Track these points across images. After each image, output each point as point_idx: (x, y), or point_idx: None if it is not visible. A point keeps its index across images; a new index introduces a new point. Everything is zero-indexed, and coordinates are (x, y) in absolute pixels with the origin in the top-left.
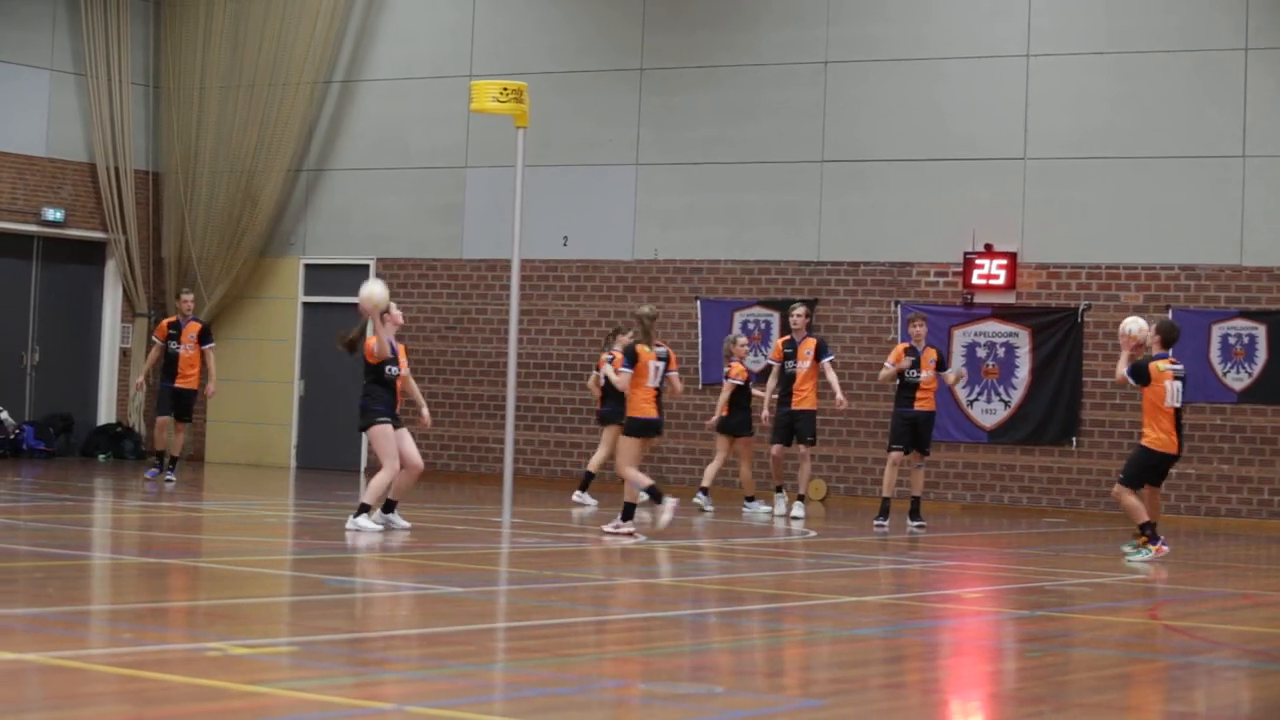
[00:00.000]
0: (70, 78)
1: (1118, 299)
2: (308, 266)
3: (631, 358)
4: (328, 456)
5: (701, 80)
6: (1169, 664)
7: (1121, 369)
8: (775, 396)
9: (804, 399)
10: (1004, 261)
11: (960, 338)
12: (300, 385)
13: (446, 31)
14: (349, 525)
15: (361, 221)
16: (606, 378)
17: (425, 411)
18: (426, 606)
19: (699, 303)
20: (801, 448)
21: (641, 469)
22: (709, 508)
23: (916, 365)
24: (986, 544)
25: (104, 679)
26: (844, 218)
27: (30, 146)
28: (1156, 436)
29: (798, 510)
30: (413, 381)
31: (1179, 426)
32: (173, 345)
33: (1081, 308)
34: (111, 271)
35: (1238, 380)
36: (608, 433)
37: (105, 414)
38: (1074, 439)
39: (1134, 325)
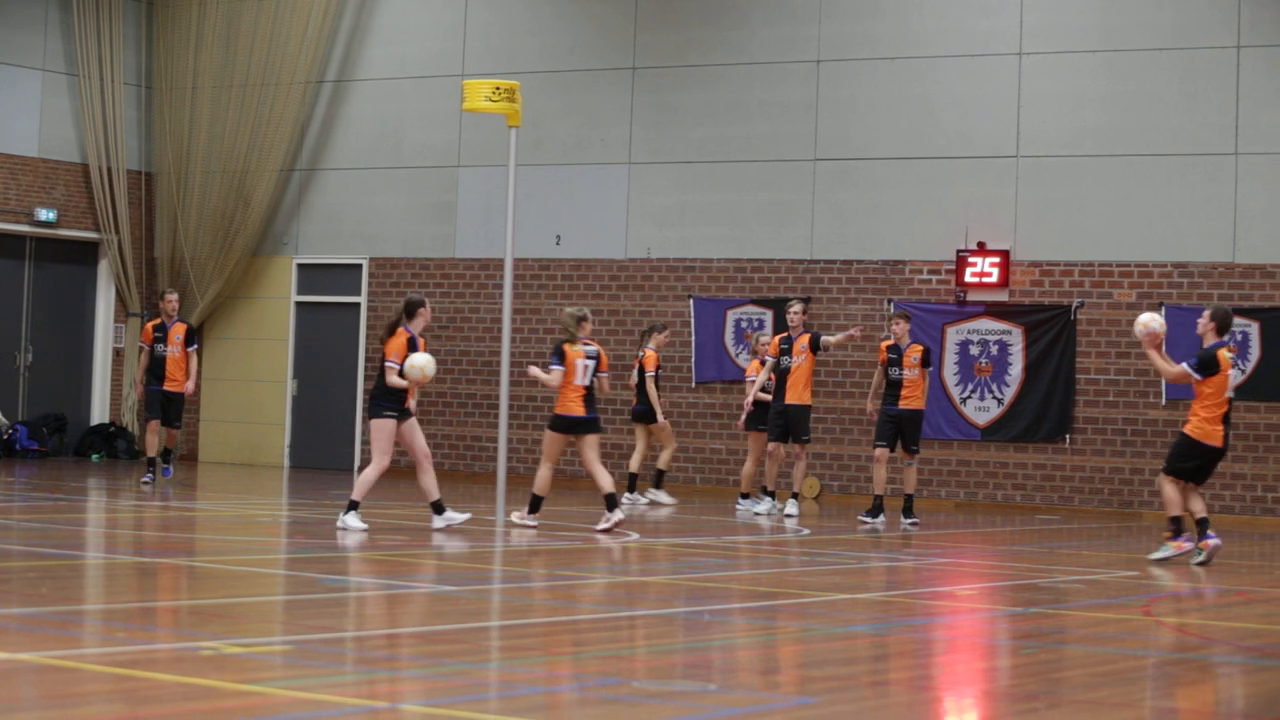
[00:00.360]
0: (62, 78)
1: (1110, 296)
2: (300, 266)
3: (559, 356)
4: (321, 456)
5: (694, 79)
6: (1163, 660)
7: (1167, 366)
8: (766, 391)
9: (798, 394)
10: (997, 259)
11: (953, 335)
12: (293, 385)
13: (439, 31)
14: (339, 524)
15: (354, 221)
16: (641, 378)
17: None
18: (420, 605)
19: (692, 301)
20: (796, 446)
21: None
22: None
23: (899, 363)
24: (980, 541)
25: (97, 678)
26: (837, 215)
27: (23, 147)
28: (1202, 426)
29: (791, 508)
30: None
31: (1227, 419)
32: (159, 348)
33: (1074, 305)
34: (104, 272)
35: (1232, 377)
36: (640, 430)
37: (98, 414)
38: (1067, 436)
39: (1155, 322)
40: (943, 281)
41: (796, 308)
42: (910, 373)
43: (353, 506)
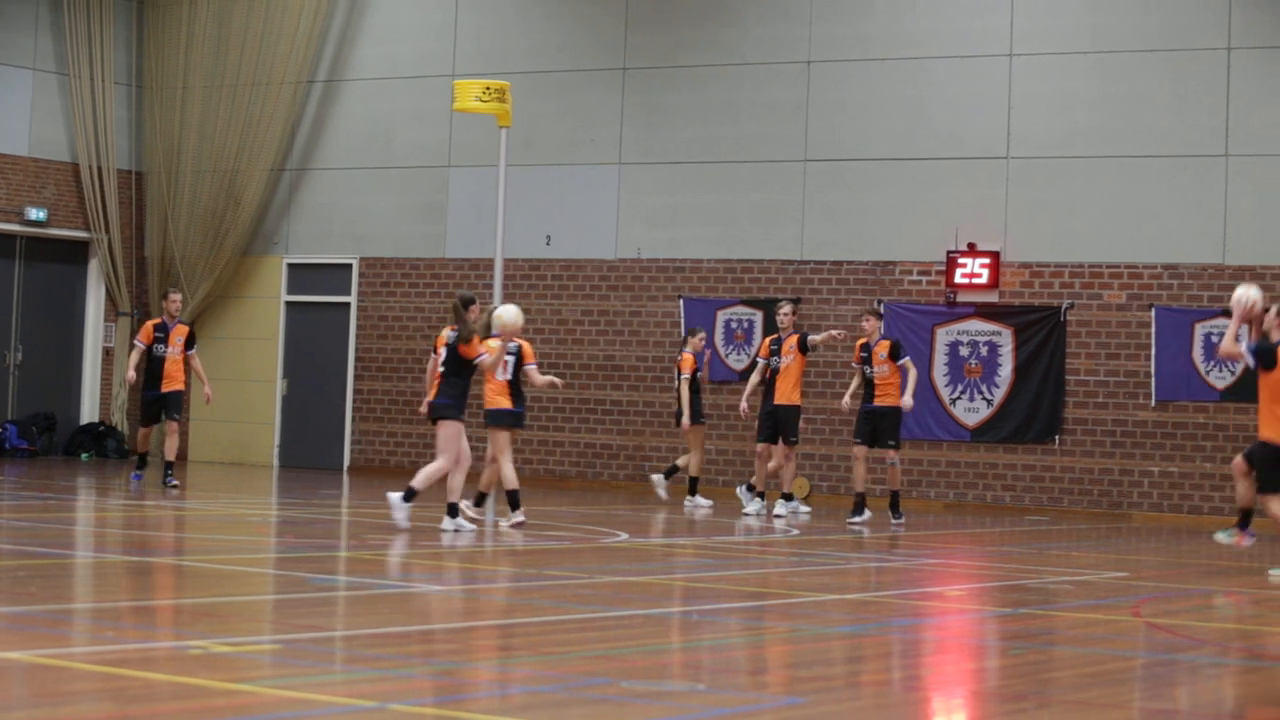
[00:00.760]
0: (53, 77)
1: (1100, 298)
2: (290, 266)
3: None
4: (310, 456)
5: (684, 79)
6: (1151, 661)
7: (1234, 343)
8: (755, 393)
9: (786, 395)
10: (987, 260)
11: (943, 336)
12: (283, 384)
13: (429, 31)
14: (445, 526)
15: (344, 221)
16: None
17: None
18: (410, 605)
19: (681, 301)
20: (784, 447)
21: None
22: (780, 511)
23: (869, 360)
24: (969, 542)
25: (86, 677)
26: (827, 216)
27: (13, 146)
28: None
29: (780, 509)
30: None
31: None
32: (159, 348)
33: (1064, 306)
34: (94, 271)
35: (1220, 379)
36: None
37: (88, 413)
38: (1056, 437)
39: (1254, 293)
40: (933, 283)
41: (786, 309)
42: (881, 369)
43: (453, 510)
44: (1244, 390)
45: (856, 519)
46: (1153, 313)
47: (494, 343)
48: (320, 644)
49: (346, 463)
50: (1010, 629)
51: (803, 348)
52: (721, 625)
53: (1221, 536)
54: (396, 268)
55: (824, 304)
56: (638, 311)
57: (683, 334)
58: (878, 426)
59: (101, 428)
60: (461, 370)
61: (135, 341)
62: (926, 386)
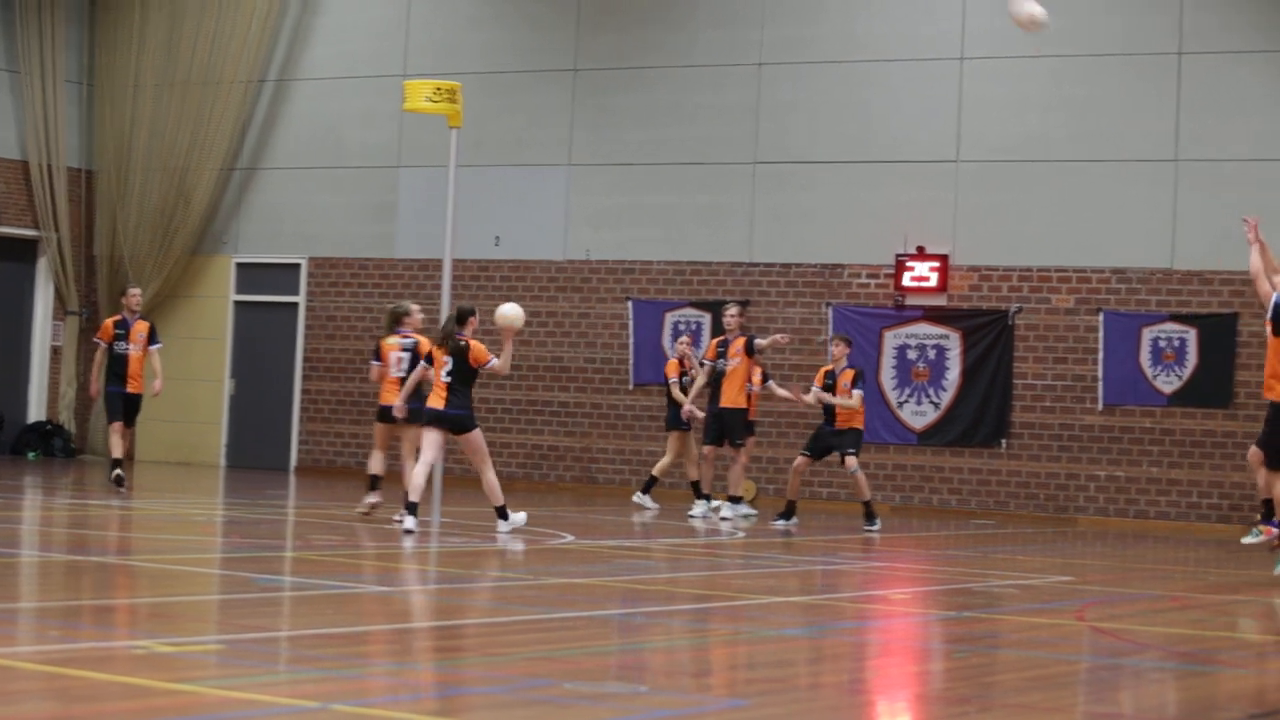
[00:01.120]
0: (3, 75)
1: (1049, 302)
2: (239, 265)
3: (376, 351)
4: (258, 456)
5: (635, 81)
6: (1095, 665)
7: (1260, 269)
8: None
9: (732, 398)
10: (935, 264)
11: (891, 339)
12: (231, 384)
13: (380, 31)
14: (502, 529)
15: (294, 220)
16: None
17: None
18: (354, 605)
19: (630, 303)
20: (730, 449)
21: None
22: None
23: (832, 388)
24: (915, 545)
25: (30, 676)
26: (776, 219)
27: None
28: None
29: (727, 511)
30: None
31: None
32: (120, 346)
33: (1012, 310)
34: (43, 269)
35: (1168, 384)
36: (674, 438)
37: (35, 412)
38: (1004, 441)
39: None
40: (881, 285)
41: (732, 310)
42: (844, 400)
43: (502, 514)
44: (1190, 395)
45: (781, 522)
46: (1101, 317)
47: (394, 340)
48: (264, 644)
49: (293, 463)
50: (954, 632)
51: (749, 350)
52: (666, 627)
53: (1250, 539)
54: (345, 268)
55: (772, 306)
56: (586, 313)
57: (630, 336)
58: (831, 443)
59: (49, 426)
60: (471, 379)
61: (96, 340)
62: (874, 389)
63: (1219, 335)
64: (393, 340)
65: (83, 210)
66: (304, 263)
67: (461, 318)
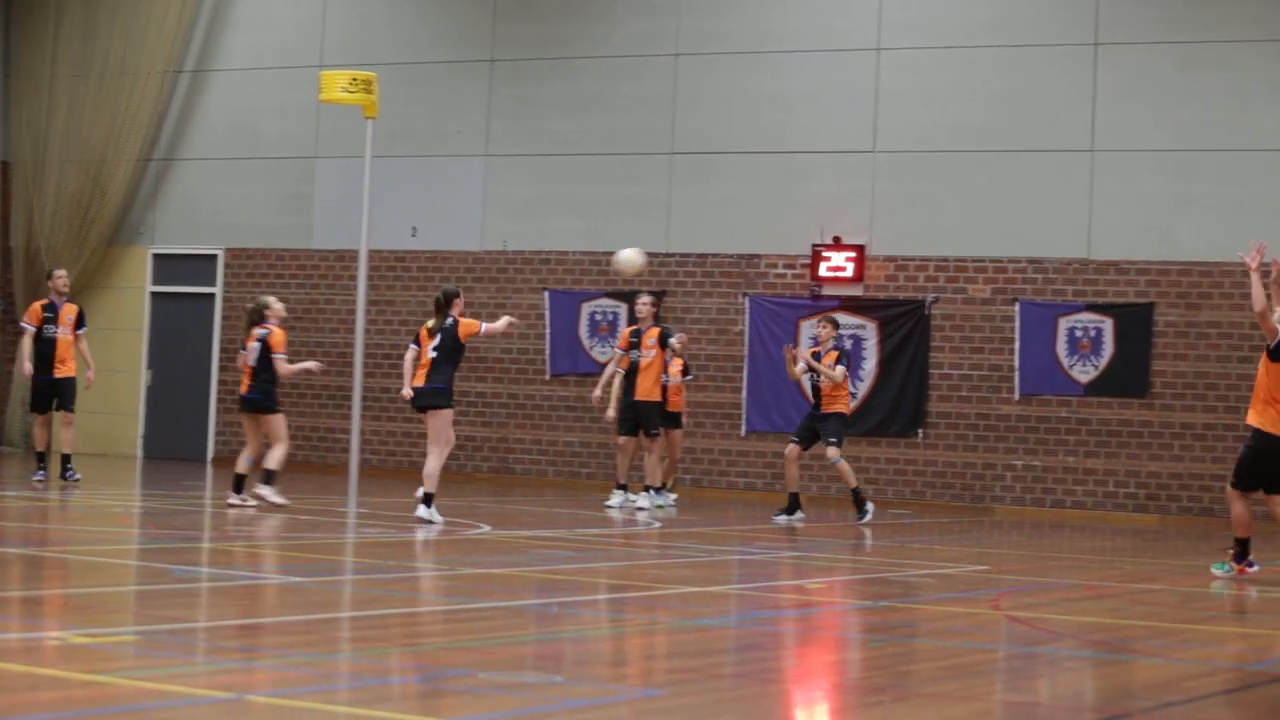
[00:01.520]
0: None
1: (965, 292)
2: (156, 256)
3: (244, 344)
4: (175, 446)
5: (552, 72)
6: (1011, 654)
7: (1263, 297)
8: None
9: (647, 391)
10: (852, 254)
11: (807, 329)
12: (148, 375)
13: (297, 21)
14: (422, 514)
15: (210, 211)
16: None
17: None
18: (270, 596)
19: (547, 294)
20: (645, 440)
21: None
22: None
23: (816, 370)
24: (831, 535)
25: None
26: (693, 209)
27: None
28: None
29: (643, 501)
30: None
31: None
32: (49, 329)
33: (929, 300)
34: None
35: (1084, 373)
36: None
37: None
38: (920, 431)
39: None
40: (798, 276)
41: (645, 299)
42: (827, 381)
43: (427, 500)
44: (1107, 385)
45: (784, 518)
46: (1017, 307)
47: (254, 332)
48: (180, 635)
49: (210, 454)
50: (870, 621)
51: (663, 343)
52: (581, 617)
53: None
54: (262, 259)
55: (689, 296)
56: (503, 304)
57: (547, 327)
58: (816, 429)
59: None
60: (455, 357)
61: (23, 324)
62: (789, 380)
63: (1135, 325)
64: (253, 332)
65: None
66: (221, 254)
67: (448, 299)
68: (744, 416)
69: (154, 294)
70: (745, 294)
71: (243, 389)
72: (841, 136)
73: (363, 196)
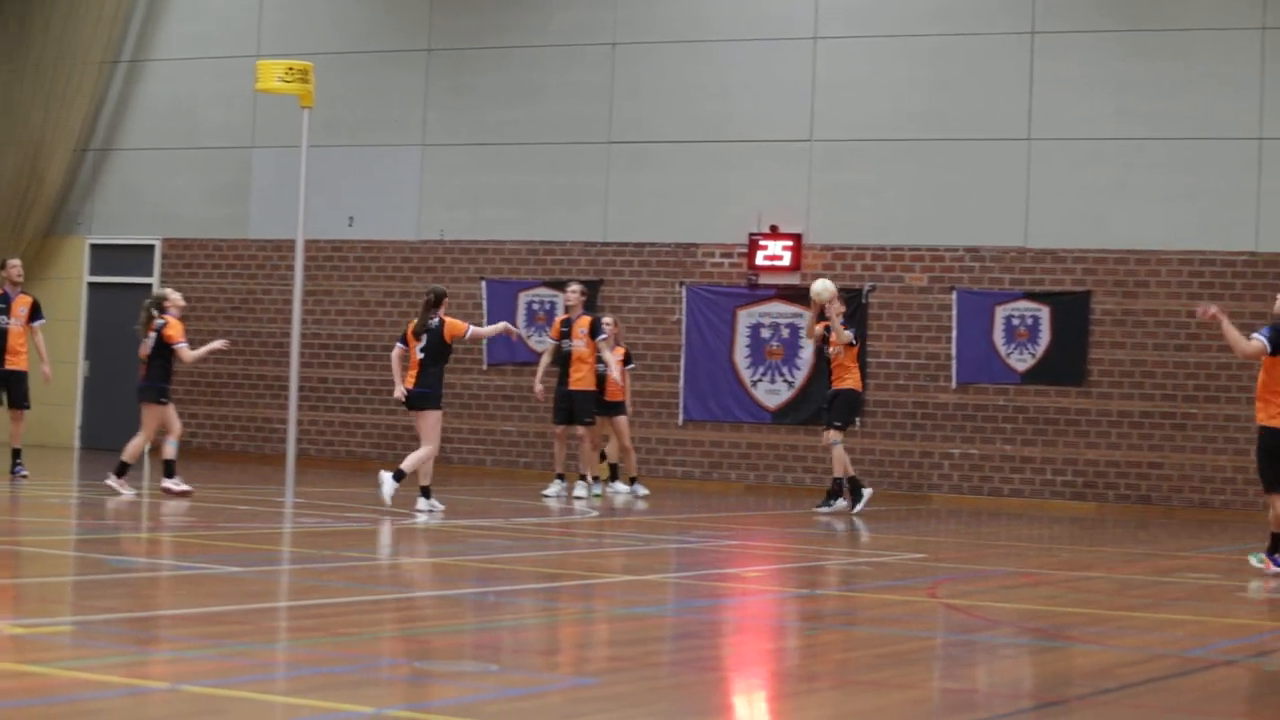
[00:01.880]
0: None
1: (902, 280)
2: (93, 246)
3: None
4: (112, 437)
5: (489, 61)
6: (948, 641)
7: (1239, 338)
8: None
9: (580, 379)
10: (789, 243)
11: (744, 318)
12: (85, 366)
13: (234, 11)
14: (421, 507)
15: (148, 201)
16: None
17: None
18: (206, 586)
19: (484, 283)
20: (579, 429)
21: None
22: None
23: (828, 341)
24: (769, 523)
25: None
26: (630, 198)
27: None
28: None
29: (580, 490)
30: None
31: None
32: (1, 320)
33: (866, 289)
34: None
35: (1021, 361)
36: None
37: None
38: (858, 420)
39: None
40: (735, 265)
41: (574, 288)
42: (837, 350)
43: (426, 492)
44: (1044, 373)
45: (824, 508)
46: (954, 295)
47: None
48: (115, 625)
49: (148, 445)
50: (807, 609)
51: (594, 332)
52: (517, 606)
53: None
54: (200, 249)
55: (626, 285)
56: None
57: (485, 316)
58: (832, 407)
59: None
60: (441, 358)
61: None
62: (727, 368)
63: (1072, 313)
64: (152, 323)
65: None
66: (158, 244)
67: (437, 299)
68: (681, 405)
69: (91, 284)
70: (682, 283)
71: (140, 378)
72: (778, 125)
73: (299, 186)
